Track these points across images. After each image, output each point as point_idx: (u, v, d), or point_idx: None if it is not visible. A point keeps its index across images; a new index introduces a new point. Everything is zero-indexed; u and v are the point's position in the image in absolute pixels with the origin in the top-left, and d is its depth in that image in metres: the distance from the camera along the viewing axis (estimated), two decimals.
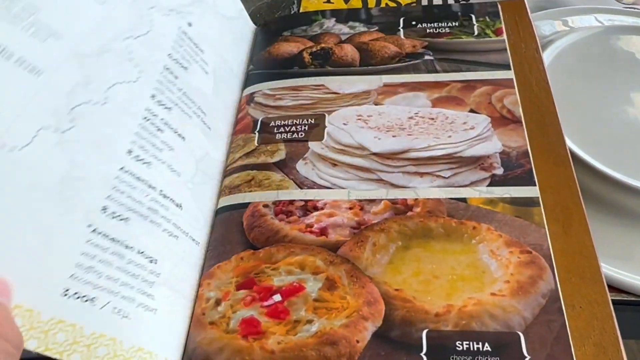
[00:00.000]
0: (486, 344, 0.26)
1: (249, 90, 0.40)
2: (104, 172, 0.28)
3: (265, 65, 0.42)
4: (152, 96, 0.33)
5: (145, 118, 0.32)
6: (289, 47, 0.42)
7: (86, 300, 0.26)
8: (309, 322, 0.27)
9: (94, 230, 0.27)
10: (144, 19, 0.35)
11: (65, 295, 0.25)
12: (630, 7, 0.51)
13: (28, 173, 0.25)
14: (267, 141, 0.36)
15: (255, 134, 0.37)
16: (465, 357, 0.25)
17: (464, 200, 0.32)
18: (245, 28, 0.44)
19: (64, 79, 0.28)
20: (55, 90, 0.28)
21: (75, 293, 0.25)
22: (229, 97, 0.40)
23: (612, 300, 0.28)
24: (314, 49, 0.41)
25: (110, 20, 0.33)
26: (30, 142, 0.26)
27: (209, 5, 0.41)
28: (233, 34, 0.42)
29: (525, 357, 0.25)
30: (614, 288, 0.32)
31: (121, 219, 0.28)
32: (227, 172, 0.35)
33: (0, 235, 0.24)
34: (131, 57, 0.33)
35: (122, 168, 0.29)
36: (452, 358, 0.25)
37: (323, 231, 0.31)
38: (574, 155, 0.35)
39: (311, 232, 0.31)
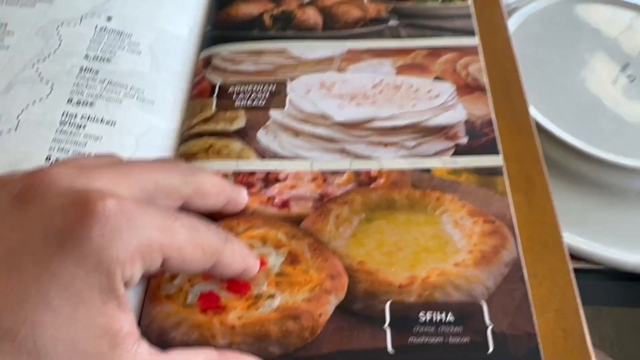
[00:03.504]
0: (449, 314, 0.26)
1: (206, 52, 0.38)
2: None
3: (223, 26, 0.39)
4: (69, 100, 0.33)
5: (62, 123, 0.32)
6: (248, 9, 0.40)
7: None
8: (271, 296, 0.26)
9: None
10: (51, 40, 0.36)
11: None
12: None
13: None
14: (225, 107, 0.35)
15: (213, 99, 0.35)
16: (429, 328, 0.25)
17: (428, 170, 0.31)
18: None
19: None
20: None
21: None
22: (178, 65, 0.38)
23: (573, 268, 0.28)
24: (275, 12, 0.40)
25: (17, 57, 0.35)
26: None
27: None
28: (175, 4, 0.40)
29: (488, 326, 0.25)
30: (575, 257, 0.32)
31: None
32: (183, 138, 0.34)
33: None
34: (41, 77, 0.34)
35: None
36: (415, 329, 0.25)
37: (285, 204, 0.30)
38: (537, 124, 0.35)
39: (273, 204, 0.30)
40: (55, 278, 0.17)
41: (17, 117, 0.32)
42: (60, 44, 0.36)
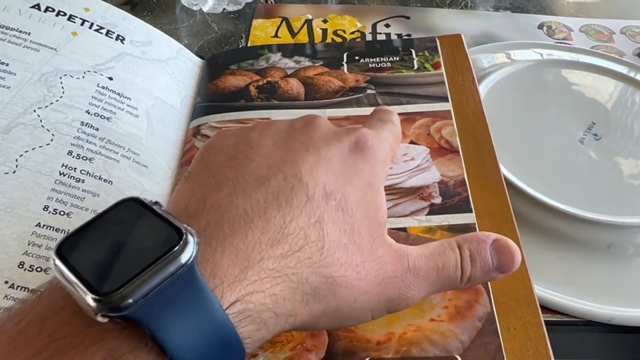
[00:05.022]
0: None
1: (196, 122, 0.41)
2: (19, 231, 0.30)
3: (212, 98, 0.42)
4: (69, 152, 0.34)
5: (62, 174, 0.33)
6: (235, 81, 0.43)
7: None
8: (253, 356, 0.27)
9: (11, 286, 0.28)
10: (54, 88, 0.36)
11: None
12: (560, 42, 0.54)
13: None
14: None
15: None
16: None
17: (404, 229, 0.33)
18: (186, 65, 0.45)
19: None
20: None
21: None
22: (171, 133, 0.40)
23: (546, 321, 0.29)
24: (260, 83, 0.42)
25: (18, 99, 0.35)
26: None
27: (134, 55, 0.42)
28: (170, 74, 0.43)
29: None
30: (548, 309, 0.33)
31: (40, 271, 0.30)
32: None
33: None
34: (43, 124, 0.34)
35: (38, 224, 0.31)
36: None
37: None
38: (508, 182, 0.36)
39: None
40: (356, 172, 0.25)
41: (16, 161, 0.33)
42: (62, 94, 0.36)
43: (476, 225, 0.33)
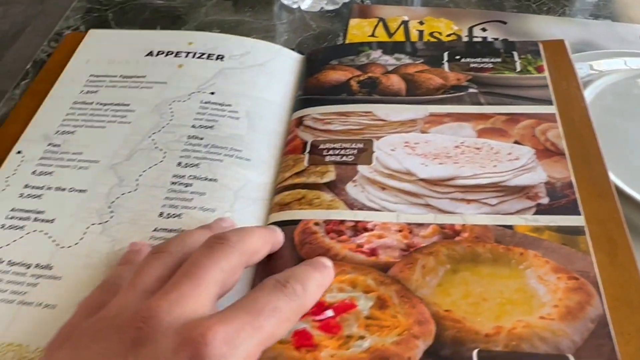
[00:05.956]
0: None
1: (298, 114, 0.42)
2: (140, 238, 0.34)
3: (313, 91, 0.43)
4: (178, 164, 0.38)
5: (173, 183, 0.37)
6: (336, 75, 0.44)
7: None
8: (361, 338, 0.28)
9: None
10: (165, 115, 0.41)
11: None
12: None
13: (80, 259, 0.33)
14: (316, 162, 0.38)
15: (304, 155, 0.38)
16: None
17: (510, 227, 0.32)
18: (286, 63, 0.47)
19: (102, 187, 0.37)
20: (97, 197, 0.36)
21: None
22: (272, 125, 0.42)
23: None
24: (362, 78, 0.43)
25: (136, 131, 0.40)
26: (82, 238, 0.34)
27: (233, 67, 0.45)
28: (269, 75, 0.45)
29: None
30: None
31: None
32: (277, 190, 0.37)
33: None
34: (156, 146, 0.39)
35: (155, 229, 0.34)
36: None
37: (373, 252, 0.32)
38: (617, 189, 0.35)
39: (362, 252, 0.32)
40: None
41: (136, 180, 0.37)
42: (172, 118, 0.41)
43: (586, 229, 0.32)
